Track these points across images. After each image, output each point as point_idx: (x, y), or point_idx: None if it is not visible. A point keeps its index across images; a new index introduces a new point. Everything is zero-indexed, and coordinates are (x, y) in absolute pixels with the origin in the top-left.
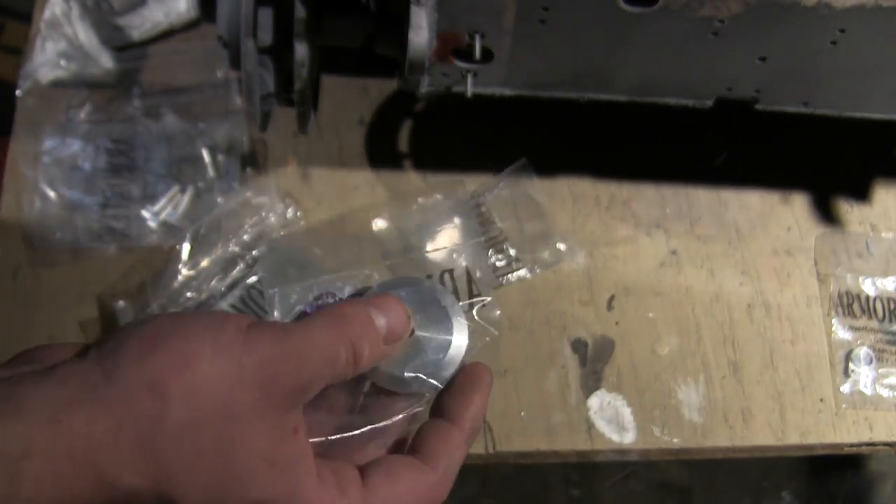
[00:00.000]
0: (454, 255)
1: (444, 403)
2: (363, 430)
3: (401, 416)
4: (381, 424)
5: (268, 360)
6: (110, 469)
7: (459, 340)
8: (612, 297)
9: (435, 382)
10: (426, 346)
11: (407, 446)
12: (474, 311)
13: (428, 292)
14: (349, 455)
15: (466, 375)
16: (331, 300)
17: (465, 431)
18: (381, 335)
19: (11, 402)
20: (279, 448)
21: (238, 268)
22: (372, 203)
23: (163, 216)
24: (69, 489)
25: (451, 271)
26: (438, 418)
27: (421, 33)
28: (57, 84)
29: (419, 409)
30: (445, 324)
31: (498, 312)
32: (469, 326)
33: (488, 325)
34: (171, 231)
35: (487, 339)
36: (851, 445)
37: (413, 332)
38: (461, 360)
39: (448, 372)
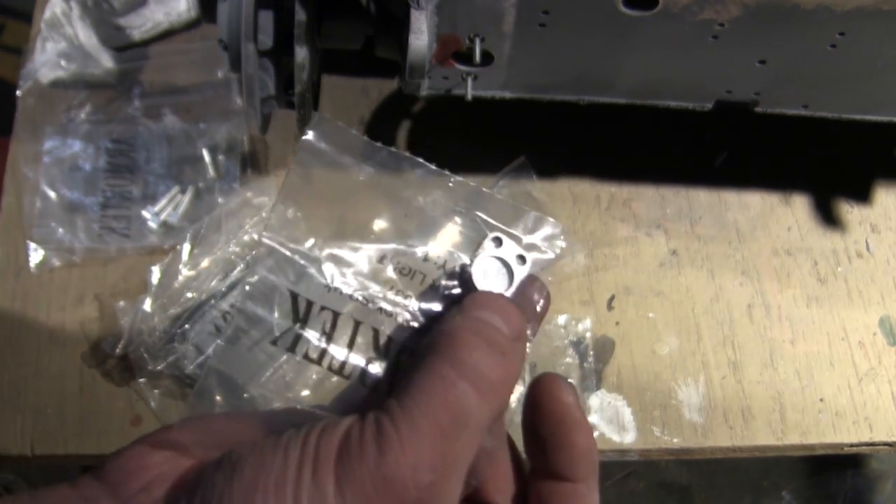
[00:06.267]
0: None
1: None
2: None
3: None
4: None
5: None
6: None
7: None
8: (612, 298)
9: None
10: None
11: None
12: None
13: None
14: None
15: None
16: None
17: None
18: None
19: None
20: None
21: (238, 268)
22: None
23: (163, 216)
24: None
25: None
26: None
27: (421, 37)
28: (57, 84)
29: None
30: None
31: None
32: None
33: None
34: (172, 231)
35: None
36: (851, 445)
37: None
38: None
39: None
